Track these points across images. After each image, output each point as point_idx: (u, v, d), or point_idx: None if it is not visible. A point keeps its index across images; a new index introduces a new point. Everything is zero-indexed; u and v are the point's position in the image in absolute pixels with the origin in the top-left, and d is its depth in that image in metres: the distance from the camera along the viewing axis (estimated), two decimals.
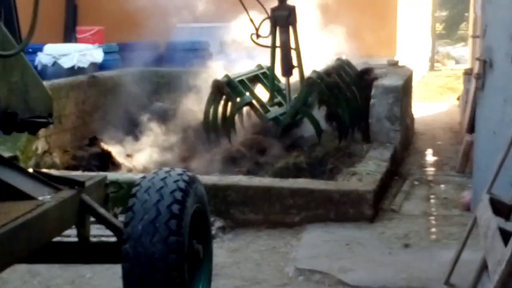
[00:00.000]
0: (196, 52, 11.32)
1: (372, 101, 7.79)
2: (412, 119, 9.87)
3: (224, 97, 7.65)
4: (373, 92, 7.81)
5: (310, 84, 7.26)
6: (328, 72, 7.55)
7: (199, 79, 9.31)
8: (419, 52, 18.28)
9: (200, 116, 7.95)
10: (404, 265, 4.83)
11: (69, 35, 12.77)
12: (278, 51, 7.86)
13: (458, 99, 12.41)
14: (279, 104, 8.01)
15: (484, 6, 6.01)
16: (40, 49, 9.95)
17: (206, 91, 8.64)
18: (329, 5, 9.85)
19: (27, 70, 3.70)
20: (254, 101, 7.68)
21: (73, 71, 9.55)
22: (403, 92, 8.00)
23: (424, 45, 19.86)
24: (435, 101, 14.30)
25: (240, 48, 9.80)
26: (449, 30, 29.84)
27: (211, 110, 7.69)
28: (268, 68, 8.23)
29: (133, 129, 8.79)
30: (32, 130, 3.92)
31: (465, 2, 21.88)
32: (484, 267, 3.44)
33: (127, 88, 9.52)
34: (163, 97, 9.72)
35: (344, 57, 8.14)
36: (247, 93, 7.77)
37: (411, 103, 9.62)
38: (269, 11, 7.73)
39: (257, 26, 7.71)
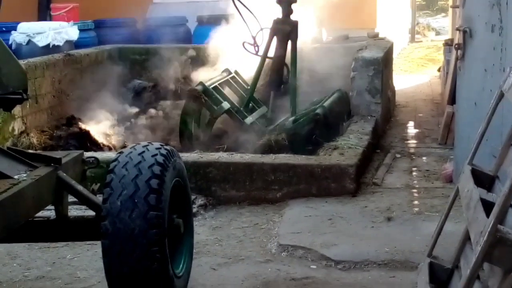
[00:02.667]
0: (174, 28, 11.20)
1: (352, 74, 7.75)
2: (393, 91, 9.84)
3: (201, 104, 7.45)
4: (353, 65, 7.77)
5: (316, 121, 6.93)
6: (332, 109, 7.23)
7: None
8: (400, 24, 18.23)
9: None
10: (387, 238, 4.82)
11: (43, 13, 12.58)
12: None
13: (439, 70, 12.41)
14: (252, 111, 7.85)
15: None
16: (14, 28, 9.80)
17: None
18: None
19: None
20: (231, 108, 7.52)
21: (48, 49, 9.41)
22: (384, 64, 7.96)
23: (404, 16, 19.81)
24: (416, 73, 14.29)
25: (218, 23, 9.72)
26: (429, 1, 29.80)
27: (187, 118, 7.51)
28: (236, 73, 8.14)
29: (111, 107, 8.69)
30: (7, 107, 3.86)
31: None
32: (466, 238, 3.43)
33: (104, 66, 9.41)
34: (141, 74, 9.62)
35: (343, 90, 7.86)
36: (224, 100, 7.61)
37: (392, 75, 9.59)
38: (262, 22, 7.60)
39: (254, 36, 7.55)
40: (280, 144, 6.84)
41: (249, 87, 7.99)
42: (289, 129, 6.94)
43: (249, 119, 7.47)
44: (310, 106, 7.67)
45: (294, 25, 7.49)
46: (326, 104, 7.20)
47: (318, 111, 6.93)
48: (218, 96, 7.44)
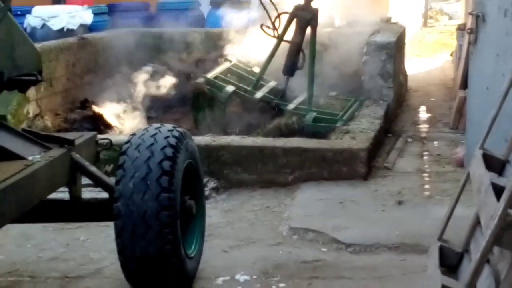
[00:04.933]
0: (187, 11, 11.20)
1: (364, 58, 7.74)
2: (405, 76, 9.82)
3: (207, 96, 7.55)
4: (365, 49, 7.76)
5: (334, 130, 6.76)
6: (351, 119, 7.11)
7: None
8: (412, 9, 18.14)
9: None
10: (398, 222, 4.85)
11: None
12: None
13: (451, 55, 12.35)
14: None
15: None
16: (29, 12, 9.82)
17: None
18: None
19: (13, 27, 3.65)
20: (237, 90, 7.57)
21: (63, 33, 9.43)
22: (396, 49, 7.95)
23: (417, 1, 19.70)
24: (429, 58, 14.24)
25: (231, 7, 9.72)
26: None
27: (199, 111, 7.61)
28: (238, 61, 8.22)
29: (124, 91, 8.73)
30: (22, 88, 3.89)
31: None
32: (477, 222, 3.45)
33: (118, 50, 9.43)
34: (154, 58, 9.63)
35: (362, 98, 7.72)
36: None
37: (404, 59, 9.57)
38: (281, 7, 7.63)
39: (273, 21, 7.57)
40: (290, 128, 6.86)
41: (252, 70, 8.06)
42: (307, 126, 6.97)
43: (258, 94, 7.52)
44: (325, 100, 7.68)
45: (315, 12, 7.47)
46: (346, 117, 7.15)
47: (339, 124, 6.86)
48: (221, 83, 7.52)
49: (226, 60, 8.24)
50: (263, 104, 7.42)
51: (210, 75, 7.68)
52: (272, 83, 7.92)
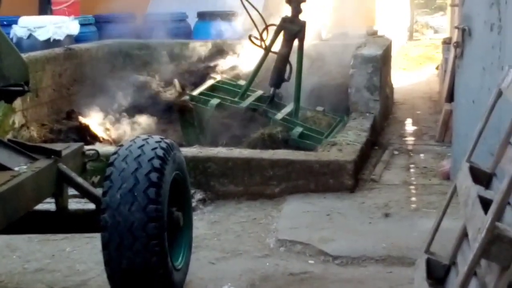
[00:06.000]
0: (174, 23, 11.22)
1: (351, 71, 7.77)
2: (392, 89, 9.86)
3: (193, 112, 7.59)
4: (352, 62, 7.79)
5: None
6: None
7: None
8: (398, 22, 18.25)
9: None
10: (384, 234, 4.85)
11: (44, 7, 12.56)
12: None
13: (437, 68, 12.42)
14: None
15: None
16: (15, 22, 9.80)
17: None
18: None
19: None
20: (222, 102, 7.60)
21: (49, 43, 9.42)
22: (382, 62, 7.98)
23: (403, 14, 19.83)
24: (414, 71, 14.32)
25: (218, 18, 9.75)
26: (428, 0, 29.79)
27: (187, 128, 7.67)
28: (222, 77, 8.29)
29: (111, 102, 8.71)
30: (8, 99, 3.87)
31: None
32: (464, 235, 3.45)
33: (104, 61, 9.42)
34: (140, 69, 9.63)
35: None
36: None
37: (390, 72, 9.62)
38: (268, 18, 7.67)
39: (260, 32, 7.59)
40: (274, 138, 6.86)
41: (238, 83, 8.08)
42: (293, 140, 7.00)
43: (244, 103, 7.54)
44: (312, 114, 7.70)
45: (302, 25, 7.48)
46: (331, 136, 7.13)
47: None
48: (205, 97, 7.56)
49: (211, 77, 8.29)
50: (251, 113, 7.43)
51: (195, 92, 7.74)
52: (259, 92, 7.94)
